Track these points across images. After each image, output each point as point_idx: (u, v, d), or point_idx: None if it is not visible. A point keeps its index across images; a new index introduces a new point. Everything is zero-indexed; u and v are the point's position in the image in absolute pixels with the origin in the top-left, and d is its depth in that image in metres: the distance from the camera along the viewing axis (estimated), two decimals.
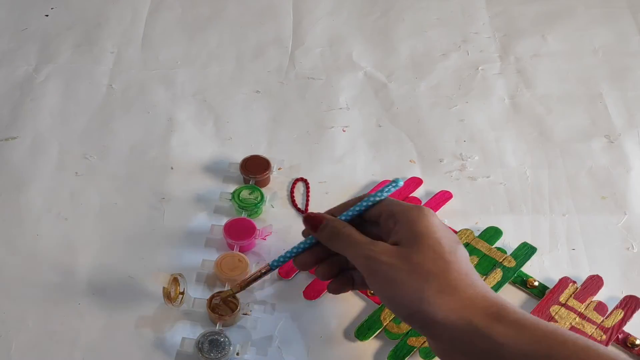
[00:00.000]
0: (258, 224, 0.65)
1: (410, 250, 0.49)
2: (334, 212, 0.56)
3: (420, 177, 0.72)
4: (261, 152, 0.73)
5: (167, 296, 0.58)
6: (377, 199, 0.53)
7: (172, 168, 0.72)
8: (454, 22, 0.90)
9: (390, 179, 0.71)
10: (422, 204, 0.68)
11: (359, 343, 0.59)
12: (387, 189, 0.53)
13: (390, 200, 0.53)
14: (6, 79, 0.81)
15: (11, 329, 0.59)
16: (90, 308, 0.60)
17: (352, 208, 0.54)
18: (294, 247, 0.55)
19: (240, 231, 0.64)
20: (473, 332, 0.45)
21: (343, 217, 0.54)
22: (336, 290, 0.56)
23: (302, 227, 0.67)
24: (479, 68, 0.84)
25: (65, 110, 0.78)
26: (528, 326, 0.45)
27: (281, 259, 0.56)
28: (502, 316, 0.46)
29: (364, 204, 0.54)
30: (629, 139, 0.76)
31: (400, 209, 0.52)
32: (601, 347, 0.44)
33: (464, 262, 0.49)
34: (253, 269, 0.62)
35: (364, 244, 0.51)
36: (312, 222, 0.54)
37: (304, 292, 0.62)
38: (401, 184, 0.53)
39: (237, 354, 0.57)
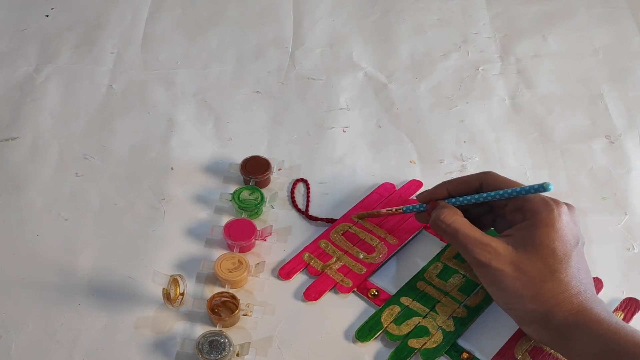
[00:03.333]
0: (258, 224, 0.65)
1: (521, 257, 0.53)
2: (451, 189, 0.60)
3: (420, 177, 0.72)
4: (261, 152, 0.73)
5: (167, 297, 0.58)
6: (515, 194, 0.55)
7: (172, 168, 0.72)
8: (454, 23, 0.90)
9: (391, 180, 0.71)
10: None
11: (359, 344, 0.59)
12: (533, 189, 0.54)
13: (526, 196, 0.55)
14: (6, 79, 0.81)
15: (11, 330, 0.59)
16: (90, 308, 0.60)
17: (481, 195, 0.57)
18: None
19: (240, 232, 0.64)
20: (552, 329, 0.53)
21: (464, 201, 0.58)
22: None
23: (303, 228, 0.67)
24: (479, 68, 0.84)
25: (66, 111, 0.78)
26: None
27: (411, 208, 0.62)
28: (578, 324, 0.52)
29: (497, 195, 0.56)
30: (629, 140, 0.76)
31: (531, 207, 0.55)
32: None
33: (570, 270, 0.53)
34: (253, 270, 0.62)
35: (475, 245, 0.55)
36: (426, 203, 0.61)
37: (304, 293, 0.62)
38: (551, 188, 0.53)
39: (237, 354, 0.57)
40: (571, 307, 0.52)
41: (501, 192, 0.56)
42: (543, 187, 0.53)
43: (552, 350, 0.57)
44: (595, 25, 0.90)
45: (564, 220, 0.54)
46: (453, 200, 0.60)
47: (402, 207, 0.64)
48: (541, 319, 0.53)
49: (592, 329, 0.51)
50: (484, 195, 0.57)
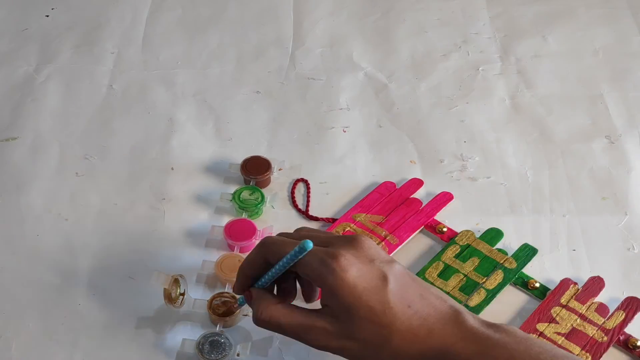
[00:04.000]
0: (258, 224, 0.65)
1: (347, 326, 0.47)
2: (249, 273, 0.52)
3: (420, 177, 0.72)
4: (261, 152, 0.73)
5: (168, 297, 0.58)
6: (286, 266, 0.48)
7: (172, 168, 0.72)
8: (454, 23, 0.90)
9: (391, 179, 0.71)
10: (422, 206, 0.68)
11: None
12: (296, 255, 0.47)
13: (303, 260, 0.48)
14: (7, 79, 0.81)
15: (11, 330, 0.59)
16: (90, 309, 0.60)
17: (270, 272, 0.50)
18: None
19: (240, 232, 0.64)
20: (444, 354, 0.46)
21: (265, 283, 0.51)
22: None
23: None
24: (480, 68, 0.84)
25: (66, 111, 0.78)
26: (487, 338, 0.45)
27: (241, 301, 0.55)
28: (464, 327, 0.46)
29: (276, 272, 0.50)
30: (629, 140, 0.76)
31: (312, 274, 0.47)
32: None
33: (402, 314, 0.46)
34: None
35: (303, 332, 0.48)
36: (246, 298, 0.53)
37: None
38: (310, 246, 0.47)
39: (238, 354, 0.57)
40: (433, 353, 0.46)
41: (276, 267, 0.49)
42: (303, 249, 0.47)
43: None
44: (596, 25, 0.90)
45: (354, 273, 0.46)
46: (259, 283, 0.52)
47: (238, 299, 0.57)
48: None
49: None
50: (272, 272, 0.50)
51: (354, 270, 0.46)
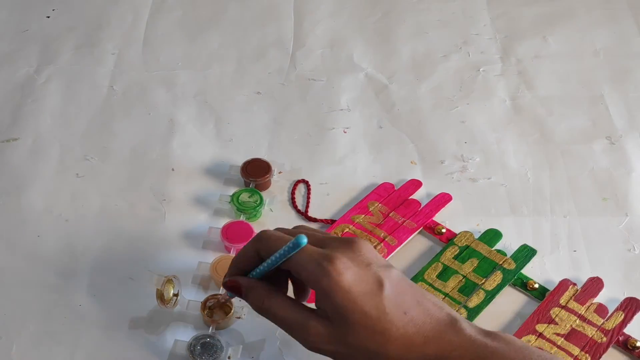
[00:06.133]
0: (256, 227, 0.65)
1: (341, 331, 0.46)
2: (241, 265, 0.51)
3: (421, 178, 0.72)
4: (262, 153, 0.73)
5: (160, 298, 0.58)
6: (279, 261, 0.47)
7: (172, 169, 0.72)
8: (455, 24, 0.90)
9: (391, 181, 0.71)
10: (421, 207, 0.68)
11: None
12: (289, 249, 0.46)
13: (297, 259, 0.46)
14: (7, 80, 0.81)
15: (12, 330, 0.59)
16: (91, 309, 0.60)
17: (261, 267, 0.49)
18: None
19: (237, 234, 0.64)
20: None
21: (257, 275, 0.50)
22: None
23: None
24: (480, 69, 0.84)
25: (66, 112, 0.78)
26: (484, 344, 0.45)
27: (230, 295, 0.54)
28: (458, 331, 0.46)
29: (267, 266, 0.48)
30: (630, 141, 0.76)
31: (307, 276, 0.46)
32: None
33: (397, 320, 0.45)
34: None
35: (294, 329, 0.47)
36: (233, 290, 0.51)
37: None
38: (305, 242, 0.46)
39: (229, 357, 0.56)
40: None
41: (269, 261, 0.48)
42: (297, 244, 0.46)
43: (552, 351, 0.57)
44: (596, 26, 0.90)
45: (349, 277, 0.45)
46: (250, 275, 0.51)
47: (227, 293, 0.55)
48: None
49: None
50: (264, 266, 0.49)
51: (349, 274, 0.45)
